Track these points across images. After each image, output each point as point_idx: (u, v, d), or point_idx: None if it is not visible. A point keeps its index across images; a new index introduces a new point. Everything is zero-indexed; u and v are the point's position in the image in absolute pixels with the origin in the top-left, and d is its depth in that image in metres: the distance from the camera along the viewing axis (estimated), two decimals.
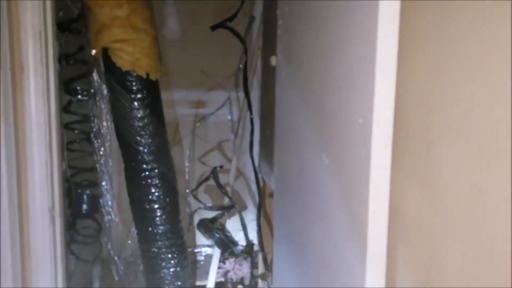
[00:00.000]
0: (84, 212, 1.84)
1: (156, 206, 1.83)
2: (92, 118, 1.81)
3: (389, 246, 0.77)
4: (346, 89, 0.84)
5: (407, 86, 0.72)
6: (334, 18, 0.90)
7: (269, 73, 1.94)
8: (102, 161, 1.83)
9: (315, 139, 1.03)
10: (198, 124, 2.34)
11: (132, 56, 1.69)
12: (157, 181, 1.81)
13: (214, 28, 1.99)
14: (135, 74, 1.71)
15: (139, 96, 1.73)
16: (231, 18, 1.99)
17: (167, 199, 1.84)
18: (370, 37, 0.72)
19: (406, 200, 0.74)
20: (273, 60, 1.72)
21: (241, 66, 2.09)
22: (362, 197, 0.75)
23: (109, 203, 1.87)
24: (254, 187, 2.22)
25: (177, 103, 2.40)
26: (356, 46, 0.79)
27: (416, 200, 0.72)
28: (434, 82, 0.66)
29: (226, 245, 1.88)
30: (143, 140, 1.76)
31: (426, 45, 0.68)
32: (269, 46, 1.99)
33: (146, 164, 1.79)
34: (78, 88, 1.78)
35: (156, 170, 1.80)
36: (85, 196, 1.84)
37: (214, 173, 1.99)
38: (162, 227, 1.86)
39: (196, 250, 2.43)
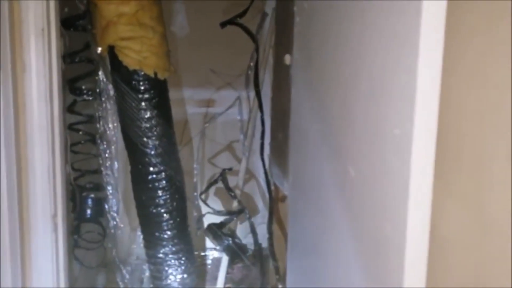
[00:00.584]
0: (88, 216, 1.77)
1: (163, 210, 1.76)
2: (97, 119, 1.74)
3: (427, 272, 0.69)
4: (378, 94, 0.76)
5: (454, 92, 0.63)
6: (364, 14, 0.82)
7: (281, 72, 1.85)
8: (107, 164, 1.76)
9: (338, 148, 0.95)
10: (207, 124, 2.26)
11: (139, 54, 1.61)
12: (164, 185, 1.74)
13: (223, 24, 1.91)
14: (142, 73, 1.64)
15: (146, 96, 1.65)
16: (241, 15, 1.91)
17: (175, 203, 1.77)
18: (411, 34, 0.64)
19: (447, 222, 0.65)
20: (287, 59, 1.63)
21: (252, 64, 2.01)
22: (398, 218, 0.67)
23: (114, 207, 1.80)
24: (265, 189, 2.15)
25: (186, 102, 2.33)
26: (392, 45, 0.71)
27: (459, 222, 0.64)
28: (489, 88, 0.58)
29: (235, 253, 1.80)
30: (150, 142, 1.69)
31: (482, 46, 0.59)
32: (282, 44, 1.90)
33: (153, 167, 1.71)
34: (83, 87, 1.70)
35: (163, 173, 1.73)
36: (89, 200, 1.77)
37: (223, 175, 1.91)
38: (169, 232, 1.79)
39: (204, 254, 2.36)
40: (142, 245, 1.88)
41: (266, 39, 2.05)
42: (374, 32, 0.78)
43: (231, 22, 1.93)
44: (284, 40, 1.81)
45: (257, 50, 1.94)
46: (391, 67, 0.71)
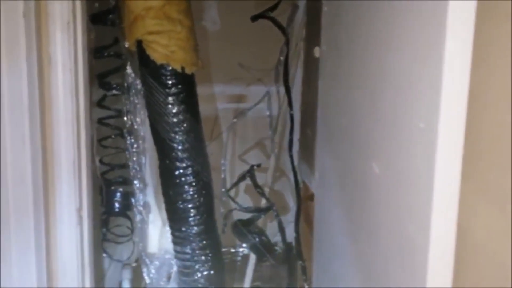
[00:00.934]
0: (116, 210, 1.79)
1: (189, 206, 1.74)
2: (125, 113, 1.74)
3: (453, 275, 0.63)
4: (405, 87, 0.71)
5: (484, 84, 0.57)
6: (392, 6, 0.76)
7: (312, 66, 1.80)
8: (134, 158, 1.76)
9: (363, 143, 0.90)
10: (235, 120, 2.23)
11: (167, 48, 1.60)
12: (191, 180, 1.72)
13: (254, 18, 1.88)
14: (169, 67, 1.62)
15: (173, 91, 1.64)
16: (272, 8, 1.88)
17: (202, 199, 1.75)
18: (438, 23, 0.58)
19: (481, 225, 0.60)
20: (317, 51, 1.58)
21: (282, 58, 1.97)
22: (421, 219, 0.62)
23: (141, 202, 1.80)
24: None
25: (217, 98, 2.31)
26: (419, 36, 0.65)
27: (493, 226, 0.58)
28: None
29: (261, 252, 1.77)
30: (177, 137, 1.67)
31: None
32: (313, 37, 1.85)
33: (180, 162, 1.70)
34: (112, 82, 1.71)
35: (190, 169, 1.71)
36: (118, 194, 1.78)
37: (250, 172, 1.88)
38: (196, 228, 1.77)
39: (234, 250, 2.34)
40: (170, 240, 1.88)
41: (297, 32, 2.00)
42: (402, 24, 0.72)
43: (262, 15, 1.90)
44: (314, 33, 1.75)
45: (287, 43, 1.89)
46: (418, 57, 0.66)
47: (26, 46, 1.12)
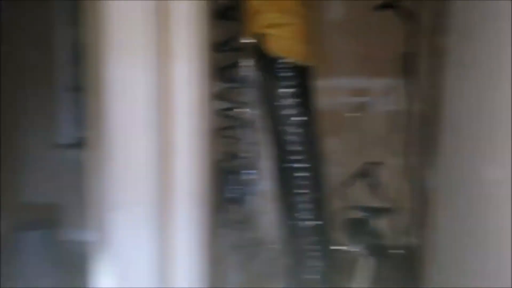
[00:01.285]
0: (233, 197, 1.85)
1: (301, 199, 1.73)
2: (242, 105, 1.80)
3: None
4: None
5: None
6: None
7: (439, 58, 1.65)
8: (250, 148, 1.81)
9: (479, 145, 0.79)
10: (356, 114, 2.15)
11: (283, 41, 1.61)
12: (303, 174, 1.71)
13: (380, 8, 1.79)
14: (286, 60, 1.63)
15: (288, 83, 1.64)
16: None
17: (314, 194, 1.73)
18: None
19: None
20: (443, 44, 1.44)
21: (407, 50, 1.84)
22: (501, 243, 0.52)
23: (256, 191, 1.84)
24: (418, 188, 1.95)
25: (338, 91, 2.25)
26: None
27: None
28: None
29: (374, 252, 1.68)
30: (290, 130, 1.67)
31: None
32: (440, 28, 1.69)
33: (293, 155, 1.69)
34: (232, 75, 1.78)
35: (303, 162, 1.69)
36: (234, 182, 1.85)
37: (366, 169, 1.80)
38: (306, 223, 1.75)
39: (348, 249, 2.27)
40: (282, 231, 1.89)
41: (424, 23, 1.85)
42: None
43: (388, 5, 1.80)
44: (443, 23, 1.60)
45: (413, 35, 1.76)
46: None
47: (146, 40, 1.20)
